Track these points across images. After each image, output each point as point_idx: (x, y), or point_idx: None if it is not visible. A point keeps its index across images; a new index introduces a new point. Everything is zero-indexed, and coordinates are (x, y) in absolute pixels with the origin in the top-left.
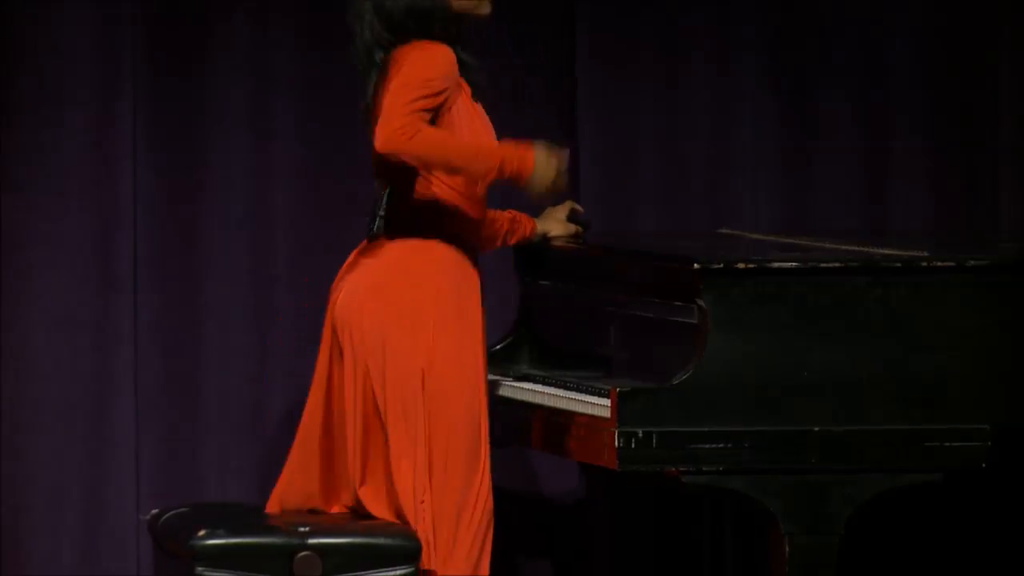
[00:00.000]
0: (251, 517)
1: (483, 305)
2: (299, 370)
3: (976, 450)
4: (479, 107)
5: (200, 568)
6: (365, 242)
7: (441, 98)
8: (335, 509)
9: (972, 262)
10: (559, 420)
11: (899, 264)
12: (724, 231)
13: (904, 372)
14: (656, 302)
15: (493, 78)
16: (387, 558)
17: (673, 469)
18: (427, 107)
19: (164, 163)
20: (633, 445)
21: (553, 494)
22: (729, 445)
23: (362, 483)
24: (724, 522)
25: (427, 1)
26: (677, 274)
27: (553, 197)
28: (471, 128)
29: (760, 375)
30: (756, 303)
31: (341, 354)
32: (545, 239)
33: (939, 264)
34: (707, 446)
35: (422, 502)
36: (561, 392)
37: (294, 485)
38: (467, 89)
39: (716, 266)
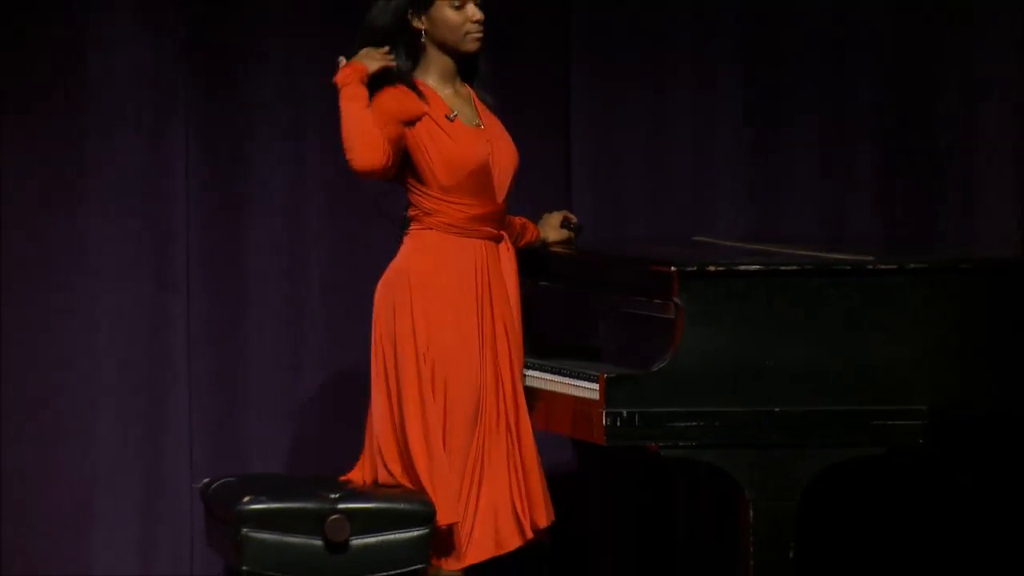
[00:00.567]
0: (288, 485)
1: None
2: (329, 359)
3: (914, 428)
4: (456, 123)
5: (245, 529)
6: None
7: (394, 129)
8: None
9: (911, 265)
10: (555, 402)
11: (848, 267)
12: (698, 239)
13: (852, 361)
14: (638, 300)
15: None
16: (406, 521)
17: (653, 444)
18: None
19: (212, 178)
20: (618, 424)
21: (550, 466)
22: (701, 423)
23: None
24: (698, 490)
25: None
26: (657, 276)
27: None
28: (442, 154)
29: (729, 363)
30: (725, 301)
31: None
32: (544, 244)
33: (882, 267)
34: (682, 424)
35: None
36: (557, 378)
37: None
38: (436, 112)
39: (690, 269)
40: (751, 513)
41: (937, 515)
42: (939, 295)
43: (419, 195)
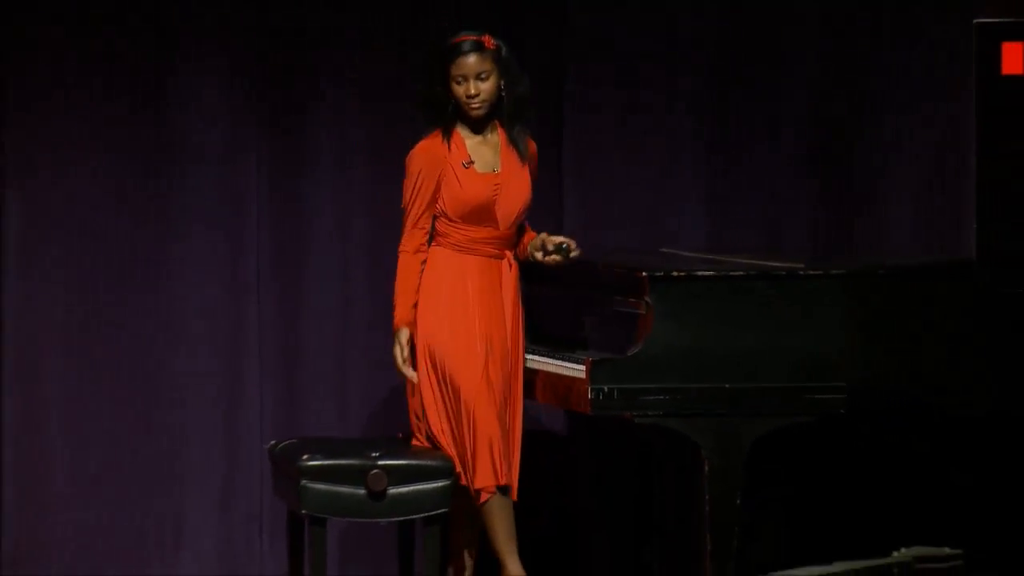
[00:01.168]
0: (338, 446)
1: (503, 296)
2: (371, 347)
3: (837, 401)
4: (470, 170)
5: (304, 481)
6: None
7: (429, 186)
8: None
9: (834, 271)
10: (552, 381)
11: (784, 273)
12: (665, 249)
13: (788, 347)
14: (617, 299)
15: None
16: (432, 474)
17: (629, 414)
18: (420, 210)
19: (278, 197)
20: (601, 397)
21: (546, 432)
22: (667, 397)
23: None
24: (669, 451)
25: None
26: (632, 280)
27: None
28: (451, 194)
29: (689, 349)
30: (687, 300)
31: None
32: (535, 261)
33: (811, 273)
34: (652, 398)
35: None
36: (552, 361)
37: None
38: (455, 160)
39: (659, 274)
40: (707, 468)
41: (858, 472)
42: (857, 295)
43: (436, 221)
